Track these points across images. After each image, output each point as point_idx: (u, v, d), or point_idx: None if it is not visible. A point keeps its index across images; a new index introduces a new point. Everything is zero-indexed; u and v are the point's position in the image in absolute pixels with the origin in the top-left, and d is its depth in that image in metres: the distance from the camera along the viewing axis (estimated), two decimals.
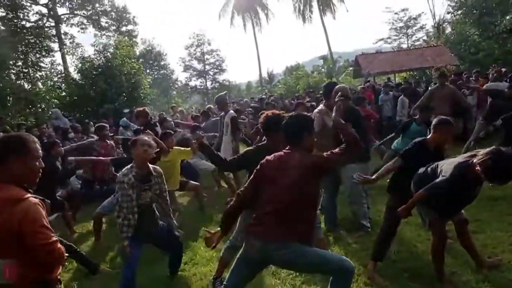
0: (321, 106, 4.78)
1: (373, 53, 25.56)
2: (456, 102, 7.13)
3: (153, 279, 3.78)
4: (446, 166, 2.95)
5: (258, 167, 2.69)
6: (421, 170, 3.24)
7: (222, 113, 6.96)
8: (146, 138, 3.55)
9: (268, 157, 2.68)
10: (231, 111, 7.09)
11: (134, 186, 3.33)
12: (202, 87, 42.34)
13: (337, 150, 2.61)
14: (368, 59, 23.56)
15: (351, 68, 28.16)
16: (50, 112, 12.15)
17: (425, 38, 37.34)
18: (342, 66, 37.35)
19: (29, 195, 1.91)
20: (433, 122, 3.45)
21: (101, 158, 6.13)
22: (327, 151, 2.63)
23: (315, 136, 2.74)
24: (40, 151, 2.03)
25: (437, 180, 2.91)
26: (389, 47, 37.73)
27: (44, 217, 1.91)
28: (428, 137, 3.47)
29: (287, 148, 2.67)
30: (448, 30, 29.84)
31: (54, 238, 1.91)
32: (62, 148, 5.58)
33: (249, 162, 3.12)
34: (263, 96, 16.80)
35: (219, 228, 2.76)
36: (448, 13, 29.57)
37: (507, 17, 21.94)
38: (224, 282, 2.64)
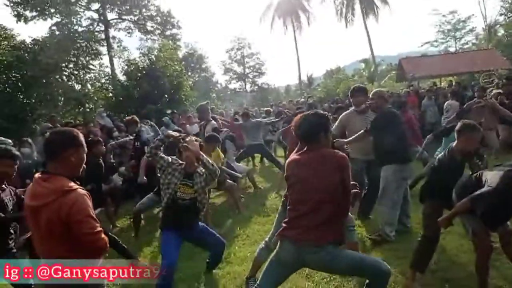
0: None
1: (418, 57, 24.78)
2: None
3: (188, 275, 3.87)
4: (493, 175, 2.79)
5: (286, 168, 2.67)
6: (464, 177, 3.11)
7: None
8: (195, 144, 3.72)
9: (293, 157, 2.65)
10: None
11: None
12: (241, 90, 42.83)
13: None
14: (412, 62, 22.85)
15: (394, 72, 27.37)
16: (96, 112, 12.81)
17: (474, 41, 35.59)
18: (385, 70, 36.39)
19: (77, 186, 2.05)
20: (456, 128, 3.24)
21: None
22: None
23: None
24: (86, 146, 2.19)
25: (483, 189, 2.77)
26: (435, 50, 36.23)
27: (91, 208, 2.04)
28: (454, 144, 3.27)
29: (306, 148, 2.60)
30: (500, 32, 28.27)
31: (99, 228, 2.03)
32: (104, 147, 5.84)
33: None
34: (302, 99, 16.69)
35: None
36: (501, 14, 28.06)
37: None
38: (257, 283, 2.65)
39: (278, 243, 2.60)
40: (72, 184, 2.03)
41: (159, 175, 3.75)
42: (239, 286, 3.52)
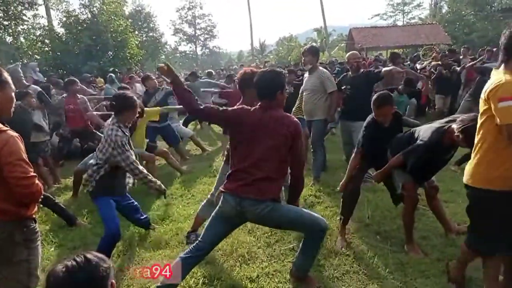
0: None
1: (368, 27, 25.27)
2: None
3: (130, 234, 3.79)
4: (424, 131, 2.98)
5: (234, 114, 2.60)
6: (398, 135, 3.29)
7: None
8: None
9: (246, 111, 2.61)
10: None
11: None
12: (191, 52, 41.50)
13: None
14: (362, 33, 23.38)
15: (344, 42, 27.87)
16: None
17: (421, 16, 37.02)
18: (336, 40, 36.92)
19: (7, 128, 1.90)
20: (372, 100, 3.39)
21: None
22: None
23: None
24: (13, 86, 2.01)
25: (415, 144, 2.96)
26: (384, 23, 37.28)
27: (23, 151, 1.90)
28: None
29: (259, 104, 2.59)
30: (445, 9, 29.58)
31: (32, 173, 1.91)
32: (34, 100, 5.39)
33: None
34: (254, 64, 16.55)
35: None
36: None
37: None
38: (199, 239, 2.64)
39: (221, 198, 2.60)
40: (1, 125, 1.88)
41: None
42: (181, 242, 3.52)
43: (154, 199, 4.63)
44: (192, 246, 2.62)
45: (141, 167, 3.28)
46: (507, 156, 2.04)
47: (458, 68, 8.60)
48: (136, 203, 3.68)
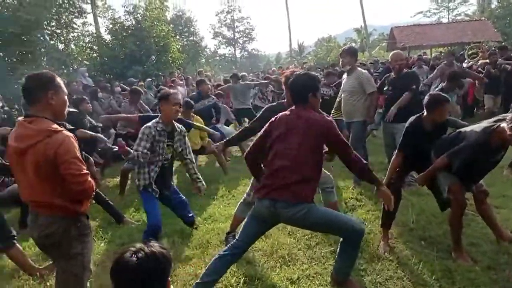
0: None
1: (410, 26, 24.37)
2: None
3: (173, 231, 3.92)
4: (470, 131, 2.85)
5: (268, 124, 2.69)
6: (443, 136, 3.18)
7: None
8: (177, 96, 3.59)
9: (279, 115, 2.67)
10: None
11: (155, 140, 3.41)
12: (230, 55, 42.08)
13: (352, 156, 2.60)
14: (404, 32, 22.59)
15: (385, 42, 27.11)
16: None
17: (468, 12, 35.28)
18: (376, 40, 36.01)
19: (63, 128, 2.04)
20: (425, 101, 3.25)
21: (129, 116, 6.25)
22: None
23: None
24: (66, 90, 2.16)
25: (461, 145, 2.84)
26: (428, 21, 35.87)
27: (78, 150, 2.03)
28: (424, 115, 3.28)
29: (293, 107, 2.65)
30: (494, 4, 27.99)
31: (85, 171, 2.03)
32: (90, 105, 5.72)
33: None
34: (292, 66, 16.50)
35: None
36: None
37: None
38: (237, 237, 2.69)
39: (256, 197, 2.63)
40: (57, 126, 2.02)
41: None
42: (222, 241, 3.58)
43: (196, 199, 4.74)
44: (230, 244, 2.68)
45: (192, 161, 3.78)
46: None
47: (509, 67, 8.12)
48: (185, 198, 3.82)
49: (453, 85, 5.60)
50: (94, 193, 2.19)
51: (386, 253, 3.15)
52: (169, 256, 1.42)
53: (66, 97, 2.14)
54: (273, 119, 2.70)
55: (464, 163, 2.85)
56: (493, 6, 27.85)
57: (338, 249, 2.67)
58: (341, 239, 2.63)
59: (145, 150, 3.37)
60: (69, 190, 2.01)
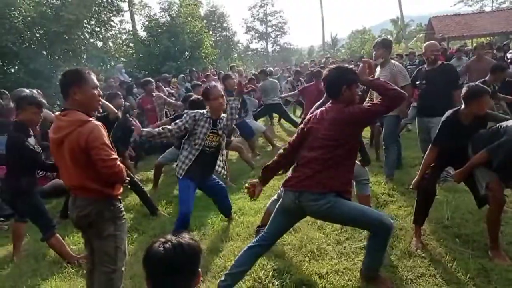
0: None
1: (450, 15, 23.33)
2: None
3: (204, 223, 4.02)
4: (511, 125, 2.71)
5: (306, 120, 2.71)
6: (482, 131, 3.04)
7: None
8: (217, 89, 3.68)
9: (315, 111, 2.69)
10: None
11: (196, 123, 3.57)
12: (263, 50, 42.06)
13: (377, 101, 2.52)
14: (443, 22, 21.69)
15: (423, 32, 26.11)
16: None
17: None
18: (414, 31, 34.75)
19: (93, 118, 2.23)
20: (462, 93, 3.11)
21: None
22: None
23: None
24: (96, 82, 2.33)
25: (501, 139, 2.72)
26: (469, 10, 34.14)
27: (106, 137, 2.20)
28: (461, 109, 3.14)
29: (329, 103, 2.63)
30: None
31: (114, 156, 2.21)
32: (123, 101, 5.90)
33: None
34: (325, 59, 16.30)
35: (257, 180, 2.82)
36: None
37: None
38: (265, 229, 2.73)
39: (283, 190, 2.65)
40: (87, 116, 2.20)
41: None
42: (251, 234, 3.63)
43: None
44: (258, 236, 2.72)
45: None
46: None
47: None
48: (223, 184, 3.93)
49: (498, 77, 5.30)
50: (128, 180, 2.39)
51: (418, 250, 3.08)
52: (198, 248, 1.47)
53: (93, 92, 2.27)
54: (312, 115, 2.72)
55: (505, 159, 2.73)
56: None
57: (366, 244, 2.65)
58: (369, 234, 2.60)
59: (176, 127, 3.54)
60: (100, 174, 2.18)
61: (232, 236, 3.69)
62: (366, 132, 7.24)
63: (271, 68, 12.59)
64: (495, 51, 10.83)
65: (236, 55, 29.05)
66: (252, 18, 41.64)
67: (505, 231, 3.21)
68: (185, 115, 3.65)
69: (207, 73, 10.76)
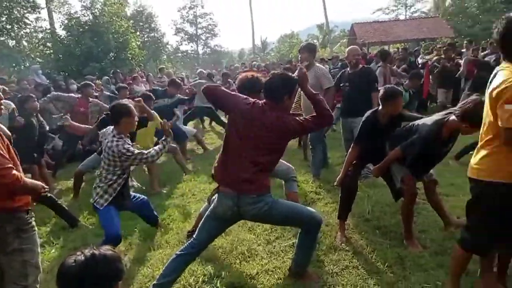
0: None
1: (370, 22, 25.09)
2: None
3: (130, 233, 3.82)
4: (423, 124, 2.97)
5: (232, 115, 2.59)
6: (397, 129, 3.29)
7: None
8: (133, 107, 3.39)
9: (242, 108, 2.55)
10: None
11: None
12: (193, 52, 41.55)
13: (309, 117, 2.55)
14: (364, 28, 23.24)
15: (346, 38, 27.73)
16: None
17: (424, 9, 36.69)
18: (338, 36, 36.73)
19: None
20: (379, 95, 3.37)
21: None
22: None
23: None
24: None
25: (413, 137, 2.96)
26: (387, 18, 36.98)
27: (1, 148, 2.02)
28: (379, 109, 3.39)
29: (263, 102, 2.55)
30: (448, 2, 29.29)
31: (9, 165, 2.02)
32: (38, 103, 5.44)
33: None
34: (254, 62, 16.56)
35: None
36: None
37: None
38: (194, 236, 2.65)
39: (217, 196, 2.60)
40: None
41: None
42: (181, 241, 3.53)
43: (154, 199, 4.64)
44: (187, 243, 2.64)
45: (148, 152, 3.23)
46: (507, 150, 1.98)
47: (461, 61, 8.55)
48: (144, 197, 3.72)
49: (415, 83, 5.85)
50: (46, 190, 2.24)
51: (342, 244, 3.23)
52: (116, 259, 1.37)
53: None
54: (238, 110, 2.56)
55: (417, 155, 2.97)
56: (447, 4, 29.14)
57: (297, 242, 2.71)
58: (300, 231, 2.66)
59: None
60: None
61: (161, 244, 3.56)
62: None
63: (202, 70, 12.48)
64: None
65: (165, 57, 28.34)
66: (181, 19, 40.97)
67: (417, 221, 3.50)
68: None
69: (134, 75, 10.33)
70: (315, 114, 2.55)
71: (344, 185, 3.48)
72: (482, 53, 9.21)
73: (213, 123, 9.66)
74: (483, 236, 2.20)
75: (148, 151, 3.25)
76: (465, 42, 10.96)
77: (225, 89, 2.74)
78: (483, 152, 2.12)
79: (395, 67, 9.19)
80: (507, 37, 2.00)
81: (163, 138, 3.34)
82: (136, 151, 3.18)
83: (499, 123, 1.94)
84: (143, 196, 3.72)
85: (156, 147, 3.29)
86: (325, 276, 2.82)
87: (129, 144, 3.20)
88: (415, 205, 3.33)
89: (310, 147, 5.18)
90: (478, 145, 2.18)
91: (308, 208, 2.77)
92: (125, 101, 3.56)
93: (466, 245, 2.29)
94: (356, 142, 3.52)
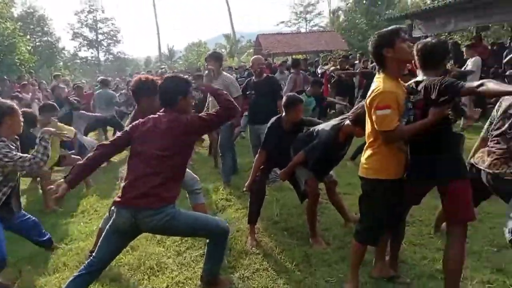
0: None
1: (274, 34, 26.33)
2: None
3: (19, 258, 3.39)
4: (322, 129, 3.19)
5: (128, 128, 2.56)
6: (300, 134, 3.48)
7: None
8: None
9: (141, 120, 2.56)
10: None
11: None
12: (93, 58, 38.95)
13: (213, 111, 2.58)
14: (268, 39, 24.30)
15: (253, 48, 28.67)
16: None
17: (322, 24, 39.74)
18: (245, 46, 37.84)
19: None
20: (282, 102, 3.59)
21: None
22: None
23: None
24: None
25: (314, 142, 3.15)
26: (289, 30, 39.19)
27: None
28: (283, 116, 3.60)
29: (161, 111, 2.55)
30: (342, 18, 32.17)
31: None
32: None
33: None
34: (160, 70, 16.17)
35: (62, 180, 2.48)
36: (342, 1, 31.74)
37: (390, 10, 24.47)
38: (93, 254, 2.45)
39: (115, 209, 2.44)
40: None
41: None
42: (82, 262, 3.23)
43: (50, 218, 4.20)
44: (86, 262, 2.43)
45: (29, 156, 2.89)
46: (394, 149, 2.28)
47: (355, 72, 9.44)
48: (34, 218, 3.32)
49: (316, 91, 6.25)
50: None
51: (253, 248, 3.28)
52: None
53: None
54: (135, 123, 2.56)
55: (318, 158, 3.17)
56: (340, 19, 31.99)
57: (206, 251, 2.67)
58: (208, 240, 2.63)
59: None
60: None
61: (58, 267, 3.22)
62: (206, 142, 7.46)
63: (105, 78, 11.78)
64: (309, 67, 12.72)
65: (61, 63, 26.08)
66: (79, 23, 38.17)
67: (321, 220, 3.73)
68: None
69: (24, 83, 9.29)
70: (219, 108, 2.56)
71: (253, 190, 3.55)
72: (371, 64, 10.26)
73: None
74: (374, 227, 2.45)
75: (28, 156, 2.90)
76: (358, 54, 12.10)
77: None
78: (368, 152, 2.39)
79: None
80: (377, 51, 2.28)
81: (39, 137, 2.99)
82: (18, 156, 2.83)
83: (375, 126, 2.21)
84: (33, 218, 3.32)
85: (35, 151, 2.93)
86: (237, 281, 2.83)
87: (10, 149, 2.84)
88: (318, 205, 3.54)
89: (220, 154, 5.19)
90: (365, 146, 2.43)
91: (214, 217, 2.77)
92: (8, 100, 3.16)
93: (361, 238, 2.51)
94: (262, 148, 3.63)
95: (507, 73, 7.13)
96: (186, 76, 2.76)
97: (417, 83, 2.29)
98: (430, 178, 2.30)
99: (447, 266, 2.32)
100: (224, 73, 5.31)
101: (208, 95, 5.37)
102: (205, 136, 7.10)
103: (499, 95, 2.26)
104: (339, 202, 3.67)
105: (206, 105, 5.67)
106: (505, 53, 8.05)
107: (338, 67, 9.94)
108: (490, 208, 3.49)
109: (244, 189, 3.68)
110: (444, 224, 3.19)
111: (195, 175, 3.55)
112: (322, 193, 3.70)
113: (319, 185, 3.43)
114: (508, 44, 9.59)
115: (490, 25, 12.22)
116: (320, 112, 9.02)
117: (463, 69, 7.35)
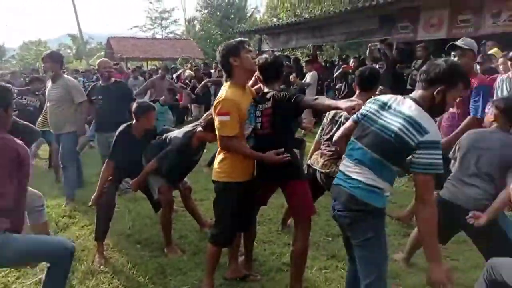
0: None
1: (127, 37, 25.10)
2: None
3: None
4: (175, 136, 3.16)
5: None
6: (152, 142, 3.37)
7: None
8: None
9: None
10: None
11: None
12: None
13: None
14: (121, 43, 23.11)
15: (103, 51, 26.73)
16: None
17: (178, 32, 39.62)
18: (95, 48, 35.05)
19: None
20: (133, 109, 3.38)
21: None
22: None
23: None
24: None
25: (167, 149, 3.09)
26: (144, 35, 37.86)
27: None
28: (133, 123, 3.40)
29: None
30: (198, 27, 32.71)
31: None
32: None
33: None
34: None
35: None
36: (197, 10, 32.29)
37: (242, 24, 26.04)
38: None
39: None
40: None
41: None
42: None
43: None
44: None
45: None
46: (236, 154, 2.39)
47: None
48: None
49: (169, 98, 6.16)
50: None
51: (101, 266, 2.99)
52: None
53: None
54: None
55: (171, 165, 3.10)
56: (196, 29, 32.51)
57: (45, 277, 2.28)
58: (49, 264, 2.26)
59: None
60: None
61: None
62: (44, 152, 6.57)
63: None
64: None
65: None
66: None
67: (177, 228, 3.65)
68: None
69: None
70: None
71: (100, 204, 3.25)
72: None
73: None
74: (227, 228, 2.52)
75: None
76: (214, 63, 12.44)
77: None
78: (220, 157, 2.48)
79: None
80: (225, 60, 2.41)
81: None
82: None
83: (216, 131, 2.36)
84: None
85: None
86: None
87: None
88: (174, 213, 3.47)
89: (62, 166, 4.60)
90: (217, 151, 2.50)
91: (57, 237, 2.43)
92: None
93: (216, 240, 2.55)
94: (109, 158, 3.37)
95: (337, 86, 8.44)
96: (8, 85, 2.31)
97: (265, 94, 2.46)
98: (274, 180, 2.50)
99: (294, 258, 2.54)
100: (66, 76, 4.77)
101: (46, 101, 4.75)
102: (44, 147, 6.26)
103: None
104: (194, 208, 3.68)
105: (43, 111, 5.03)
106: (335, 69, 9.41)
107: (193, 74, 10.10)
108: (325, 202, 3.98)
109: (90, 203, 3.35)
110: (290, 220, 3.51)
111: (35, 190, 3.05)
112: (177, 200, 3.65)
113: (173, 192, 3.37)
114: (337, 62, 11.21)
115: (323, 45, 14.10)
116: (177, 120, 9.01)
117: (303, 81, 8.28)
